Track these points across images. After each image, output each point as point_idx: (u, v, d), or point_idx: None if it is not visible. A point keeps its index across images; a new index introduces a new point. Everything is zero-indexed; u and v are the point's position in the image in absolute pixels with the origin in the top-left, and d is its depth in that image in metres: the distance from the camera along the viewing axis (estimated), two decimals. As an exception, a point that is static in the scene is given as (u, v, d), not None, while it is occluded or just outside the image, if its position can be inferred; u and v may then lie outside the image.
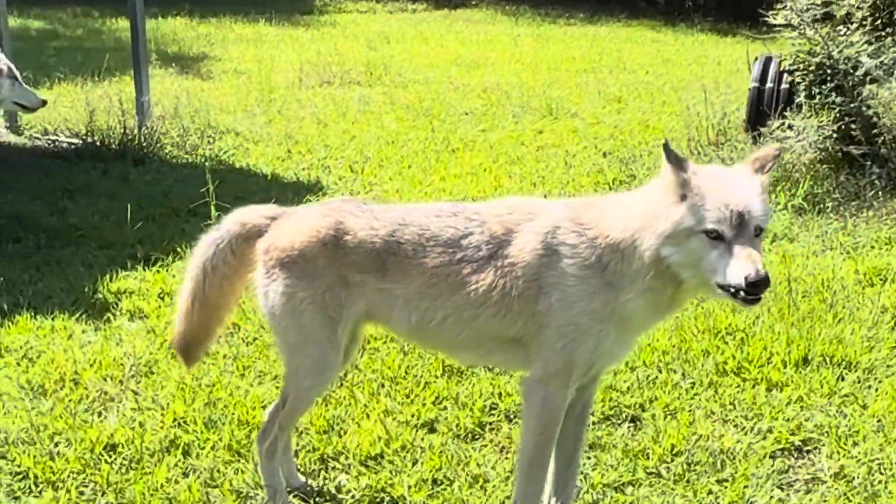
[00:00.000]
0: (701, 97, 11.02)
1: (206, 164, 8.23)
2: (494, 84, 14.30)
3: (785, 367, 5.44)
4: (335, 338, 3.89)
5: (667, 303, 3.64)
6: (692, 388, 5.27)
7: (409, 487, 4.35)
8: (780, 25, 9.36)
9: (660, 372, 5.43)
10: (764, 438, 4.81)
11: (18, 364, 5.45)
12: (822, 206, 8.18)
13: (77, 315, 6.05)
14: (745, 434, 4.84)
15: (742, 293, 3.35)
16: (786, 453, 4.73)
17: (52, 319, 5.97)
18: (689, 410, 5.04)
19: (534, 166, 9.81)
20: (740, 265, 3.30)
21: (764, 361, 5.48)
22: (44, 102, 6.89)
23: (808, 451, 4.75)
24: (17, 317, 5.95)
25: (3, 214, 7.78)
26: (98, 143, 9.91)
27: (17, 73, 6.59)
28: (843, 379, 5.34)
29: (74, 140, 10.23)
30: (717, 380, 5.35)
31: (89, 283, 6.49)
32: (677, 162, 3.42)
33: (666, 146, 3.43)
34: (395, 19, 23.00)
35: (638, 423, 4.97)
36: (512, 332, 3.70)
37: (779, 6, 9.19)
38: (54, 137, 10.54)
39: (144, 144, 9.89)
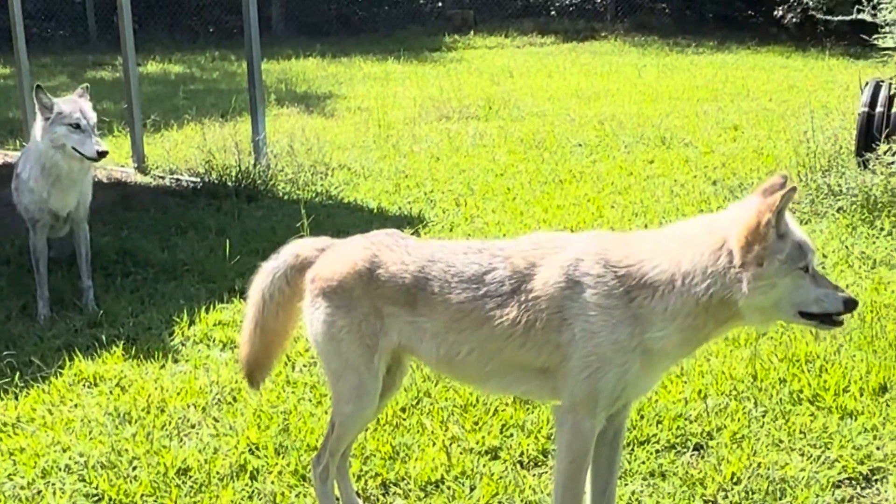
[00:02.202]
0: (817, 123, 10.88)
1: (303, 199, 8.48)
2: (611, 115, 14.30)
3: (861, 395, 5.34)
4: (372, 365, 4.01)
5: (701, 339, 3.72)
6: (763, 416, 5.22)
7: (463, 512, 4.45)
8: (889, 49, 9.21)
9: (733, 400, 5.39)
10: (830, 467, 4.74)
11: (111, 392, 5.72)
12: (928, 231, 7.98)
13: (172, 346, 6.32)
14: (811, 462, 4.78)
15: (832, 318, 3.60)
16: (852, 482, 4.66)
17: (148, 350, 6.24)
18: (756, 439, 5.00)
19: (639, 196, 9.80)
20: (837, 293, 3.57)
21: (840, 390, 5.39)
22: (101, 154, 6.82)
23: (875, 481, 4.67)
24: (115, 347, 6.24)
25: (117, 251, 8.16)
26: (215, 182, 10.27)
27: (78, 119, 6.72)
28: (920, 407, 5.23)
29: (194, 179, 10.63)
30: (789, 408, 5.29)
31: (187, 315, 6.75)
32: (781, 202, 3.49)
33: (789, 185, 3.52)
34: (522, 53, 23.16)
35: (703, 451, 4.96)
36: (538, 363, 3.77)
37: (885, 29, 9.02)
38: (177, 177, 10.99)
39: (258, 182, 10.22)
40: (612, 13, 27.05)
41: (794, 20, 22.45)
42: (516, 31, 26.05)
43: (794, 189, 3.48)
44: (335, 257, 4.10)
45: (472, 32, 26.25)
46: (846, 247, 7.80)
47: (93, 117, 6.82)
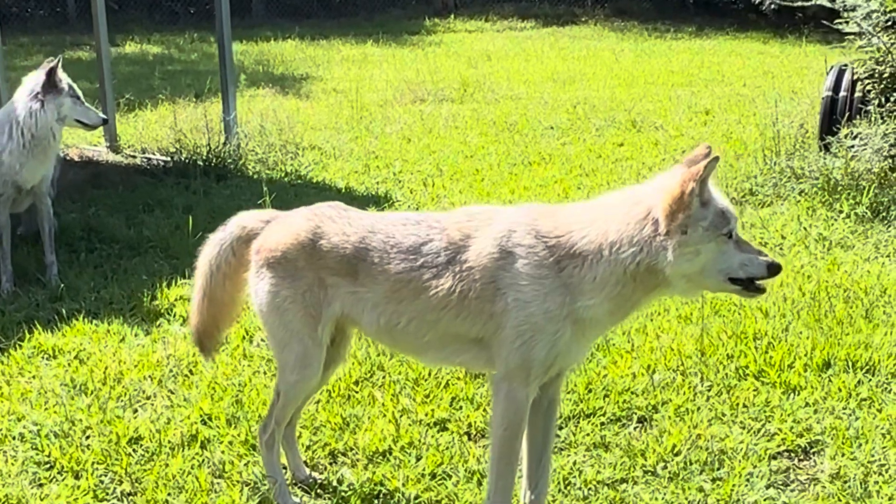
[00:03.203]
0: (787, 108, 11.02)
1: (267, 177, 8.55)
2: (584, 99, 14.36)
3: (806, 371, 5.44)
4: (316, 335, 4.10)
5: (630, 307, 3.81)
6: (708, 391, 5.32)
7: (407, 481, 4.53)
8: (851, 33, 9.31)
9: (679, 375, 5.48)
10: (769, 440, 4.84)
11: (69, 364, 5.78)
12: (885, 214, 8.06)
13: (132, 320, 6.39)
14: (751, 435, 4.88)
15: (755, 284, 3.71)
16: (790, 455, 4.77)
17: (108, 324, 6.31)
18: (699, 412, 5.09)
19: (606, 178, 9.89)
20: (760, 257, 3.69)
21: (785, 366, 5.49)
22: (104, 121, 7.35)
23: (813, 453, 4.78)
24: (75, 321, 6.30)
25: (83, 227, 8.22)
26: (185, 161, 10.31)
27: (78, 92, 7.04)
28: (861, 383, 5.32)
29: (165, 158, 10.66)
30: (735, 383, 5.39)
31: (149, 291, 6.82)
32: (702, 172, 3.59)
33: (712, 156, 3.65)
34: (502, 38, 23.16)
35: (646, 424, 5.05)
36: (473, 333, 3.86)
37: (847, 14, 9.12)
38: (148, 156, 11.02)
39: (228, 161, 10.28)
40: (592, -2, 27.10)
41: (773, 6, 22.48)
42: (496, 16, 26.07)
43: (716, 158, 3.59)
44: (279, 228, 4.18)
45: (452, 16, 26.25)
46: (804, 228, 7.89)
47: None
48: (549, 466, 4.21)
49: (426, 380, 5.47)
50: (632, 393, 5.29)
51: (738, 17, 24.35)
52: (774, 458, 4.72)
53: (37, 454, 4.80)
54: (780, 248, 7.52)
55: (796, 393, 5.26)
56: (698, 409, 5.13)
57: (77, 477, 4.62)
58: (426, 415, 5.12)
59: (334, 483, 4.57)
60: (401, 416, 5.11)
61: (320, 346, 4.15)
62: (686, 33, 23.10)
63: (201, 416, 5.14)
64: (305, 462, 4.70)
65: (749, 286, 3.71)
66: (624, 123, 12.59)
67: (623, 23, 25.03)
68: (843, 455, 4.69)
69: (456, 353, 4.00)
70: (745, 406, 5.16)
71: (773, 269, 3.68)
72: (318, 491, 4.53)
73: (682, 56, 19.38)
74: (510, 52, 20.30)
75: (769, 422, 4.99)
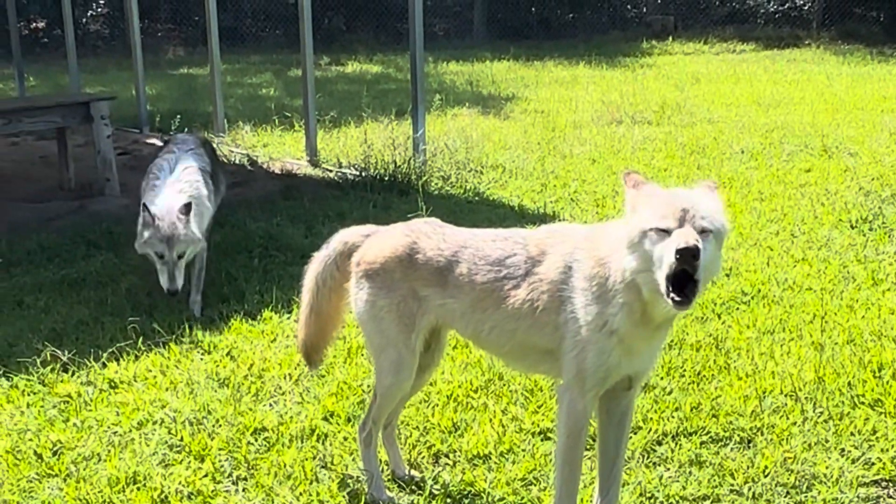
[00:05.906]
0: None
1: (421, 191, 8.90)
2: (783, 123, 14.17)
3: (924, 403, 5.38)
4: (410, 342, 4.38)
5: (641, 319, 3.83)
6: (818, 417, 5.32)
7: (497, 484, 4.76)
8: None
9: (791, 400, 5.50)
10: (866, 468, 4.82)
11: (220, 360, 6.28)
12: None
13: (286, 323, 6.85)
14: (848, 462, 4.87)
15: (671, 287, 3.54)
16: (885, 484, 4.73)
17: (263, 325, 6.80)
18: (802, 437, 5.11)
19: (781, 203, 9.79)
20: (673, 242, 3.52)
21: (904, 397, 5.44)
22: (171, 293, 6.95)
23: (911, 485, 4.74)
24: (234, 321, 6.82)
25: (263, 235, 8.82)
26: (373, 176, 10.84)
27: (165, 251, 6.92)
28: (979, 418, 5.22)
29: (356, 172, 11.22)
30: (847, 411, 5.36)
31: (308, 296, 7.28)
32: (635, 182, 3.79)
33: (627, 173, 3.85)
34: (717, 60, 22.98)
35: (746, 445, 5.11)
36: (544, 344, 4.06)
37: None
38: (343, 170, 11.62)
39: (413, 177, 10.74)
40: (818, 21, 26.44)
41: None
42: (716, 38, 25.88)
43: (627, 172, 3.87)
44: (378, 243, 4.49)
45: (670, 38, 26.19)
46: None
47: (182, 246, 6.97)
48: (620, 475, 4.35)
49: (542, 391, 5.68)
50: (738, 415, 5.35)
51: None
52: (866, 485, 4.70)
53: (170, 437, 5.28)
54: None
55: (908, 424, 5.21)
56: (801, 433, 5.15)
57: (201, 460, 5.06)
58: (532, 423, 5.34)
59: (429, 482, 4.85)
60: (509, 424, 5.34)
61: (413, 353, 4.43)
62: (916, 58, 22.35)
63: (325, 413, 5.52)
64: (408, 461, 5.00)
65: (668, 290, 3.56)
66: (817, 149, 12.38)
67: (848, 46, 24.38)
68: (938, 488, 4.65)
69: (537, 364, 4.23)
70: (851, 434, 5.14)
71: (681, 256, 3.47)
72: (413, 488, 4.81)
73: (901, 81, 18.78)
74: (721, 75, 20.14)
75: (870, 450, 4.97)
